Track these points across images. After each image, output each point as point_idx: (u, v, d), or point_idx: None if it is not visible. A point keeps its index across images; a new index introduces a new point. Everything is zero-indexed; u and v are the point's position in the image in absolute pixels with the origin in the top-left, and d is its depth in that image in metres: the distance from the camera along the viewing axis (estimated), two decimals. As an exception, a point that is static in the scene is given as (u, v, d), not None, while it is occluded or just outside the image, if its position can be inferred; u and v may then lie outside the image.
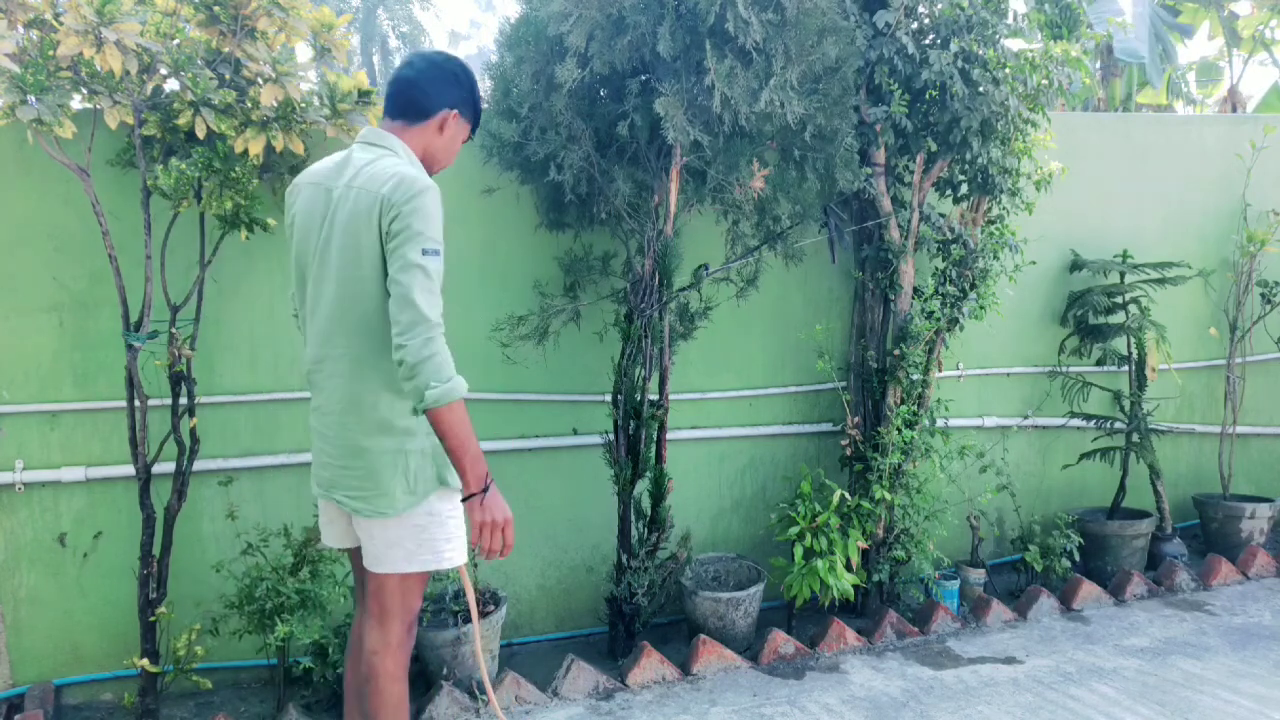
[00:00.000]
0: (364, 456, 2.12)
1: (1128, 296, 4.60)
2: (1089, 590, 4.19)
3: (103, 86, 2.83)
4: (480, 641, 2.57)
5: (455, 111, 2.25)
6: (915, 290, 4.03)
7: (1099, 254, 4.72)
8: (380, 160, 2.11)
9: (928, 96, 3.71)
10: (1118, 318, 4.66)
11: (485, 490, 2.00)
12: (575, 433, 3.96)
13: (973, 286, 4.09)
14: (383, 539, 2.16)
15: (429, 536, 2.16)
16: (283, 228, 3.46)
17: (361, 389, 2.12)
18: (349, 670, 2.41)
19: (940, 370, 4.17)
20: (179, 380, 3.16)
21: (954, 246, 4.02)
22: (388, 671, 2.21)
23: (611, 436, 3.62)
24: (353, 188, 2.09)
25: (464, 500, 2.02)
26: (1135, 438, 4.55)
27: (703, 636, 3.59)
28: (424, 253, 1.98)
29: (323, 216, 2.15)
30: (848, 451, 4.05)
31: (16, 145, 3.20)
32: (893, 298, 4.06)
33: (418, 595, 2.25)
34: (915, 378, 3.96)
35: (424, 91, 2.21)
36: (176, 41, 2.95)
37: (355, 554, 2.36)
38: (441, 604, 3.57)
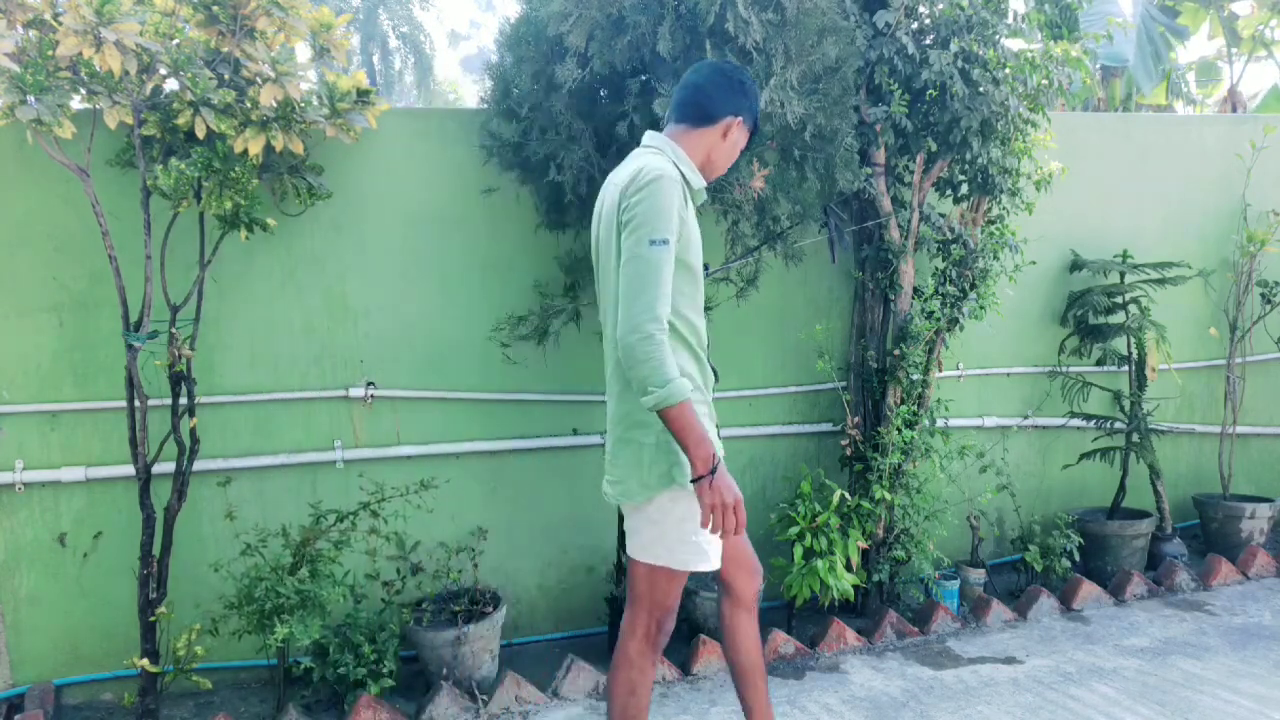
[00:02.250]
0: (610, 440, 2.26)
1: (1128, 296, 4.60)
2: (1089, 590, 4.19)
3: (102, 86, 2.83)
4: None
5: (740, 119, 2.30)
6: (915, 290, 4.03)
7: (1099, 254, 4.72)
8: (644, 156, 2.18)
9: (928, 96, 3.71)
10: (1118, 318, 4.65)
11: (713, 472, 1.99)
12: (575, 433, 3.96)
13: (973, 286, 4.09)
14: (630, 523, 2.27)
15: (662, 533, 2.17)
16: (283, 228, 3.48)
17: (614, 376, 2.23)
18: (726, 646, 2.51)
19: (940, 370, 4.16)
20: (179, 380, 3.16)
21: (954, 246, 4.02)
22: (626, 658, 2.28)
23: (611, 436, 3.62)
24: (612, 184, 2.19)
25: (692, 482, 2.02)
26: (1135, 438, 4.55)
27: (703, 636, 3.59)
28: (650, 244, 2.01)
29: (598, 216, 2.28)
30: (848, 451, 4.05)
31: (16, 145, 3.20)
32: (893, 298, 4.06)
33: (666, 592, 2.24)
34: (915, 378, 3.96)
35: (710, 97, 2.27)
36: (176, 41, 2.94)
37: None
38: (441, 604, 3.57)
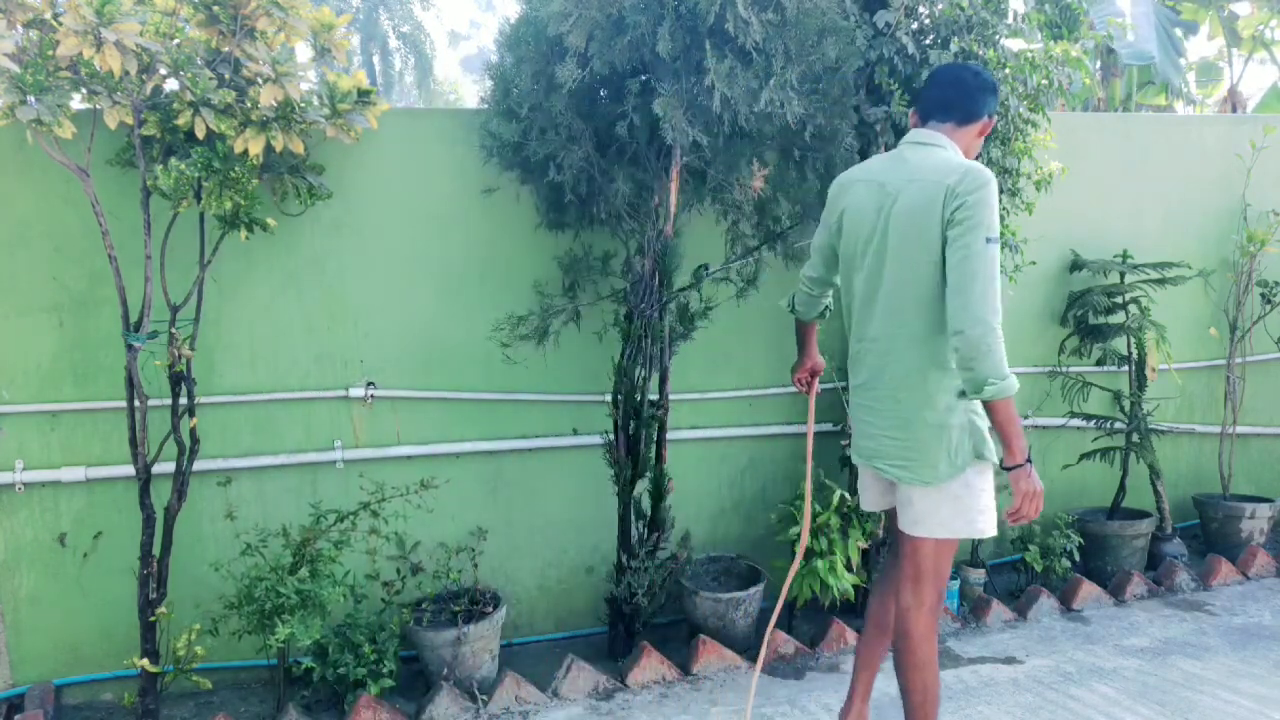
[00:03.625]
0: (910, 428, 2.35)
1: (1128, 296, 4.60)
2: (1089, 590, 4.19)
3: (102, 86, 2.82)
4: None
5: (994, 117, 2.50)
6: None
7: (1099, 254, 4.71)
8: (935, 153, 2.34)
9: (928, 96, 3.70)
10: (1118, 318, 4.65)
11: (1029, 461, 2.20)
12: (575, 433, 3.96)
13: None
14: (922, 506, 2.38)
15: (964, 507, 2.35)
16: (283, 228, 3.47)
17: (913, 366, 2.33)
18: (872, 617, 2.73)
19: (940, 370, 4.16)
20: (179, 380, 3.16)
21: (954, 246, 4.01)
22: (918, 632, 2.41)
23: (611, 436, 3.62)
24: (914, 180, 2.29)
25: (1010, 469, 2.21)
26: (1135, 438, 4.55)
27: (703, 636, 3.59)
28: (986, 241, 2.15)
29: (877, 210, 2.37)
30: (848, 451, 4.05)
31: (16, 145, 3.20)
32: (893, 298, 4.06)
33: (949, 560, 2.44)
34: (915, 378, 3.95)
35: (974, 98, 2.43)
36: (176, 41, 2.94)
37: (892, 514, 2.60)
38: (441, 604, 3.57)
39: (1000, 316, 2.13)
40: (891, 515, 2.59)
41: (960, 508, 2.35)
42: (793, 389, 4.30)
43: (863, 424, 2.52)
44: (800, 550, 2.91)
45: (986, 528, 2.38)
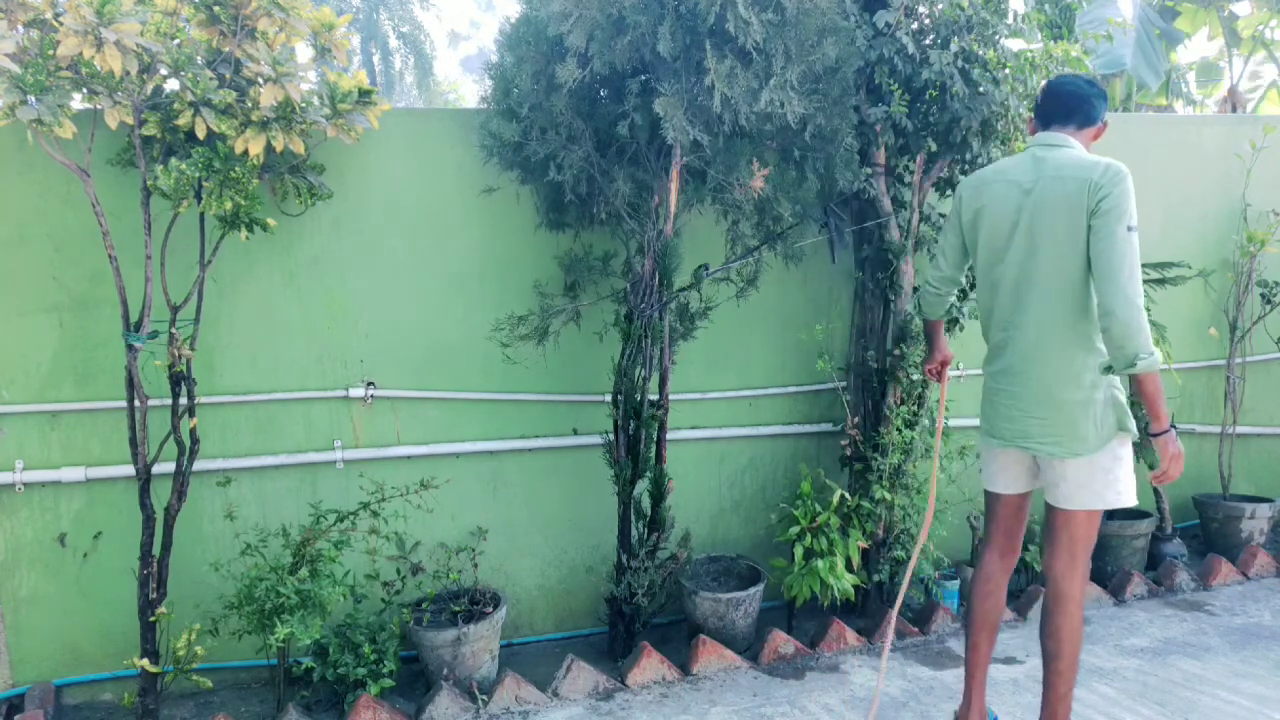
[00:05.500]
0: (1061, 407, 2.52)
1: (1128, 296, 4.60)
2: (1089, 590, 4.19)
3: (103, 86, 2.83)
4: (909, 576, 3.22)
5: (1106, 123, 2.68)
6: (915, 290, 4.03)
7: (1099, 254, 4.71)
8: (1068, 152, 2.54)
9: (928, 96, 3.71)
10: (1118, 318, 4.65)
11: (1174, 427, 2.44)
12: (575, 433, 3.96)
13: (973, 287, 4.08)
14: (1075, 479, 2.55)
15: (1113, 477, 2.54)
16: (283, 228, 3.47)
17: (1060, 348, 2.51)
18: (978, 602, 2.80)
19: (940, 370, 4.16)
20: (179, 380, 3.16)
21: (954, 246, 4.01)
22: (1074, 596, 2.59)
23: (611, 436, 3.62)
24: (1056, 176, 2.49)
25: (1157, 435, 2.45)
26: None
27: (703, 636, 3.59)
28: (1129, 230, 2.35)
29: (1018, 206, 2.56)
30: (848, 451, 4.05)
31: (16, 145, 3.20)
32: (893, 298, 4.06)
33: (1098, 528, 2.64)
34: (915, 378, 3.95)
35: (1092, 105, 2.64)
36: (177, 41, 2.94)
37: (1011, 500, 2.78)
38: (441, 604, 3.57)
39: (1143, 297, 2.31)
40: (1013, 500, 2.77)
41: (1110, 479, 2.53)
42: (791, 388, 4.32)
43: (1004, 408, 2.66)
44: (925, 526, 3.17)
45: (1131, 497, 2.57)
